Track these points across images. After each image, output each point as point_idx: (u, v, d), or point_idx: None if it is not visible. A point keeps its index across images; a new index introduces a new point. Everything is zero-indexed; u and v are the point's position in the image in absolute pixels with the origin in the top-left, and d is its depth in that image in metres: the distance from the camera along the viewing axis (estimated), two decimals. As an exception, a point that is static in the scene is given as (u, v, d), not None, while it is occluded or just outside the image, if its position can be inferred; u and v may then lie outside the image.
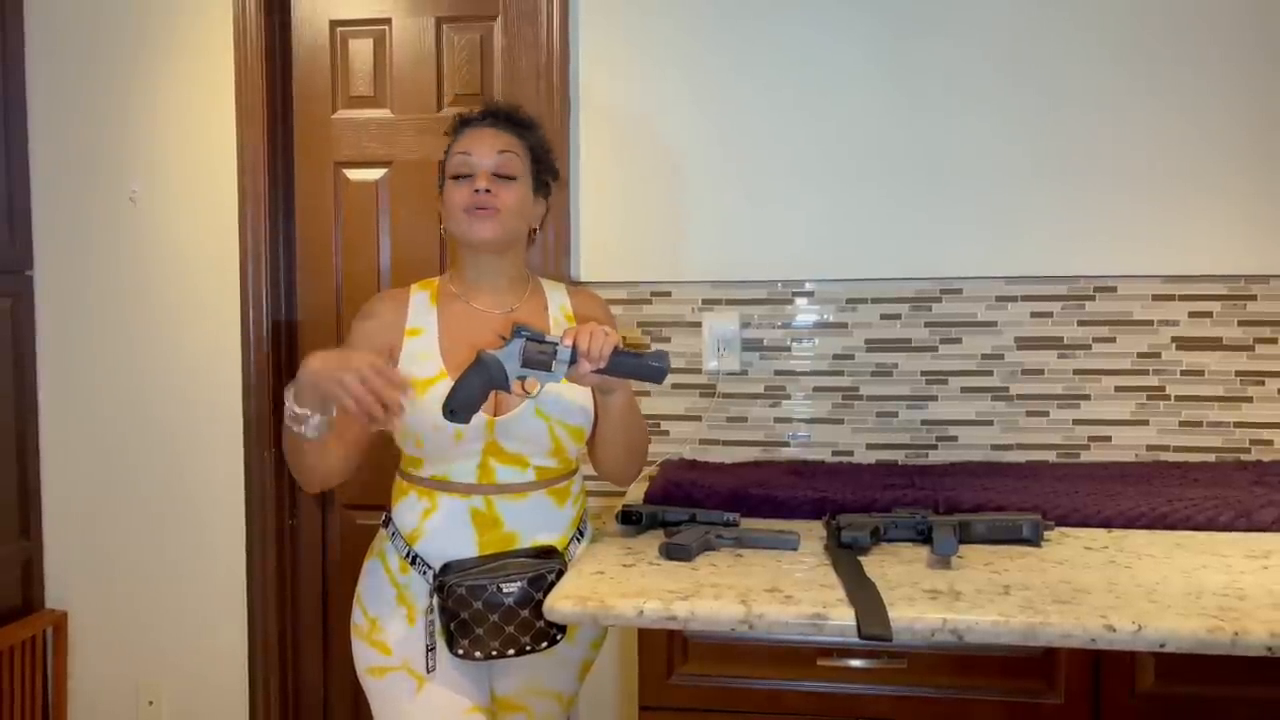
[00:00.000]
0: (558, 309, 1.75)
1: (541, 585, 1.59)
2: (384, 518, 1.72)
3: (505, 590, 1.57)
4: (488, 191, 1.63)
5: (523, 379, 1.54)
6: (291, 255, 2.57)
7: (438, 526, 1.63)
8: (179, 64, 2.50)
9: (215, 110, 2.49)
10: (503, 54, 2.40)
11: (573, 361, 1.53)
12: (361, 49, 2.51)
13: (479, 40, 2.44)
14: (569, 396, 1.65)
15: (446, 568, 1.60)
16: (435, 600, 1.59)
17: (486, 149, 1.67)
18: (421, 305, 1.69)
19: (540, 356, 1.52)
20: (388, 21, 2.50)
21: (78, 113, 2.55)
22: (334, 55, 2.52)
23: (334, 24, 2.52)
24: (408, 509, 1.66)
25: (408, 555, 1.64)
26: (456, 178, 1.66)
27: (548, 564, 1.62)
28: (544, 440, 1.64)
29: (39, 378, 2.61)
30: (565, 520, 1.70)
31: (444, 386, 1.57)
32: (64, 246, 2.58)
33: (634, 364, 1.55)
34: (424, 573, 1.62)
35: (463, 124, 1.72)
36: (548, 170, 1.77)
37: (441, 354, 1.63)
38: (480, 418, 1.59)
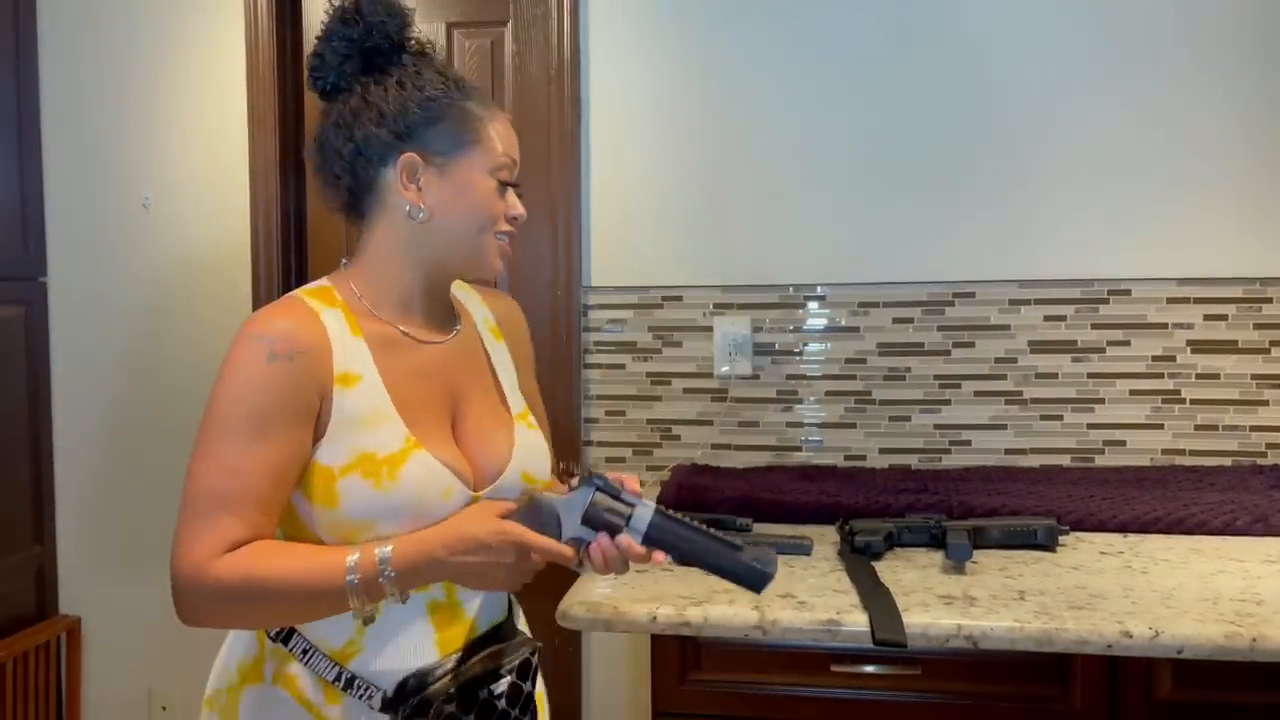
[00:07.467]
0: (483, 322, 1.36)
1: (528, 672, 1.26)
2: (277, 632, 1.20)
3: (497, 692, 1.21)
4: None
5: (577, 542, 1.15)
6: (304, 261, 2.57)
7: (384, 635, 1.18)
8: (191, 71, 2.51)
9: (227, 116, 2.49)
10: (513, 59, 2.40)
11: (647, 539, 1.14)
12: (372, 55, 2.51)
13: (490, 46, 2.44)
14: (541, 444, 1.33)
15: (410, 685, 1.17)
16: None
17: (517, 157, 1.28)
18: (342, 335, 1.17)
19: (610, 519, 1.14)
20: (398, 28, 2.50)
21: (90, 120, 2.56)
22: (345, 61, 2.53)
23: (345, 30, 2.53)
24: (334, 619, 1.16)
25: (337, 679, 1.17)
26: (505, 185, 1.25)
27: (525, 642, 1.28)
28: None
29: (52, 384, 2.62)
30: None
31: (419, 463, 1.16)
32: (77, 253, 2.59)
33: (729, 563, 1.14)
34: (366, 697, 1.17)
35: (481, 99, 1.28)
36: None
37: (400, 414, 1.18)
38: (464, 494, 1.20)
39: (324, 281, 1.25)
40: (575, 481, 1.16)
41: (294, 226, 2.54)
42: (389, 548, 1.10)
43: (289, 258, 2.53)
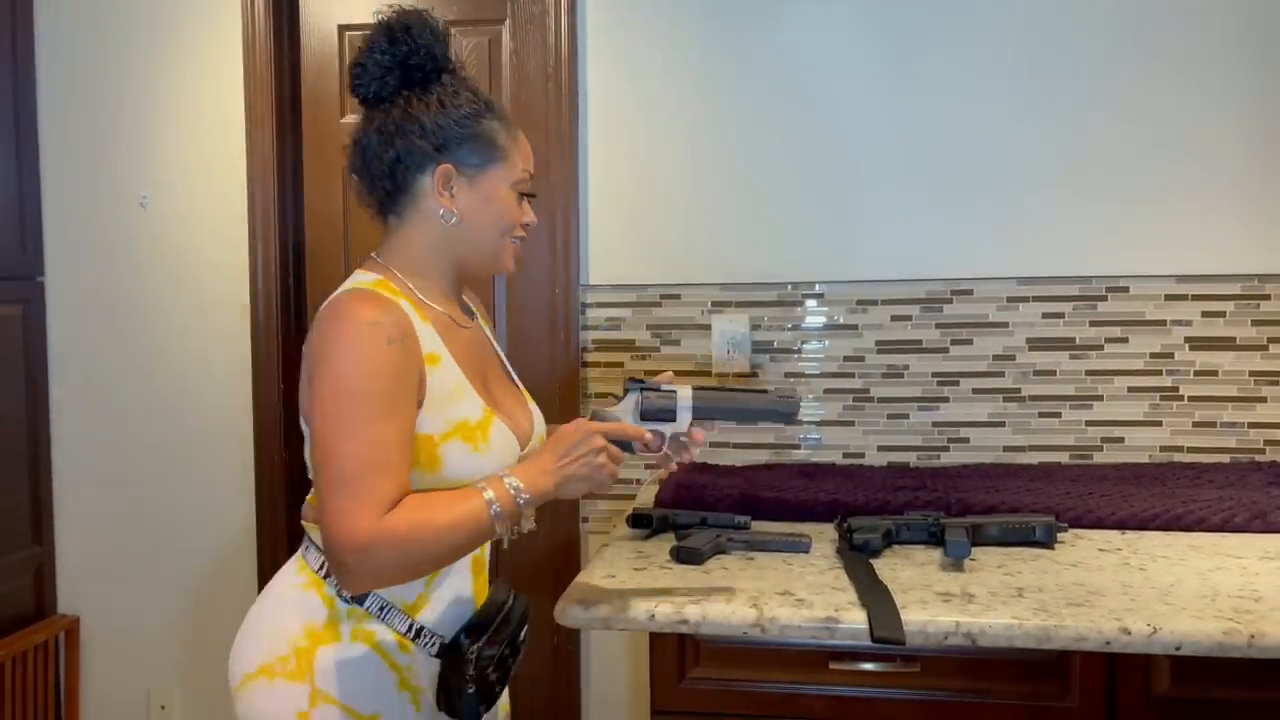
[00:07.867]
0: (476, 313, 1.54)
1: (528, 617, 1.43)
2: (351, 594, 1.32)
3: (521, 638, 1.40)
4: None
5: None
6: (301, 260, 2.56)
7: (446, 589, 1.38)
8: (188, 70, 2.51)
9: (225, 116, 2.49)
10: (511, 57, 2.40)
11: (696, 413, 1.36)
12: (370, 54, 2.51)
13: (487, 44, 2.44)
14: (542, 415, 1.51)
15: (462, 640, 1.34)
16: (473, 673, 1.31)
17: (533, 170, 1.45)
18: (417, 321, 1.32)
19: (662, 401, 1.35)
20: (396, 26, 2.50)
21: (88, 119, 2.56)
22: (342, 60, 2.52)
23: (342, 29, 2.52)
24: None
25: (409, 631, 1.34)
26: (522, 196, 1.42)
27: (520, 594, 1.44)
28: None
29: (50, 383, 2.62)
30: None
31: (498, 429, 1.35)
32: (75, 253, 2.59)
33: (763, 404, 1.39)
34: (430, 645, 1.35)
35: (506, 120, 1.42)
36: None
37: (474, 387, 1.36)
38: (516, 449, 1.39)
39: (373, 275, 1.35)
40: (622, 393, 1.37)
41: (291, 226, 2.54)
42: (515, 478, 1.25)
43: (286, 257, 2.52)
